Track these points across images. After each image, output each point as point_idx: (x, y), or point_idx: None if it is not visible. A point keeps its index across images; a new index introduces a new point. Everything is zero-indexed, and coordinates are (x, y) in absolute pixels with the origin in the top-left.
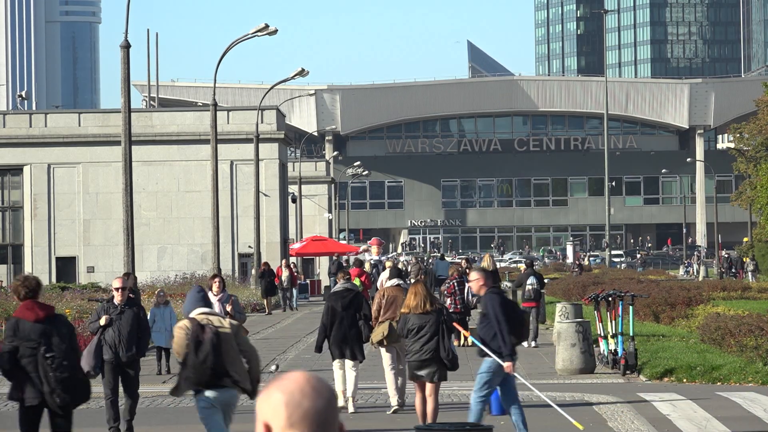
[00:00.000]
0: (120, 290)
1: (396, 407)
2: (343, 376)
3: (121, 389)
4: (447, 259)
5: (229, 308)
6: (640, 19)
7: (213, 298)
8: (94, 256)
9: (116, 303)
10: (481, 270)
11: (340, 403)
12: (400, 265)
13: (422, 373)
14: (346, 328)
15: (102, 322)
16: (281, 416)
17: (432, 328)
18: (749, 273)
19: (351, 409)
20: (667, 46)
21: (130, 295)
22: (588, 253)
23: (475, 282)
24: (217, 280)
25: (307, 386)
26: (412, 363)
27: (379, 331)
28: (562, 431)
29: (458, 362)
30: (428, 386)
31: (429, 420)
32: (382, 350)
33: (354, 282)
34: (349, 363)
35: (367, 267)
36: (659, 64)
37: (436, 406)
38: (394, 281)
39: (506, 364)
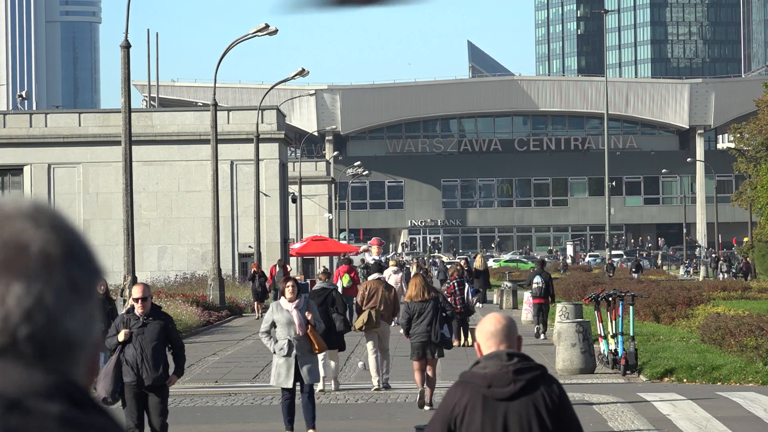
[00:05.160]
0: (140, 301)
1: (376, 386)
2: (325, 364)
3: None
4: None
5: (309, 317)
6: (640, 19)
7: (287, 305)
8: None
9: (138, 314)
10: None
11: (319, 386)
12: (382, 259)
13: (423, 351)
14: (324, 321)
15: (120, 337)
16: (482, 335)
17: (430, 313)
18: (722, 274)
19: (333, 387)
20: (667, 46)
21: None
22: (588, 253)
23: None
24: (290, 284)
25: (493, 318)
26: (414, 343)
27: (361, 319)
28: None
29: (451, 343)
30: (428, 362)
31: (428, 389)
32: (365, 336)
33: (343, 279)
34: (330, 352)
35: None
36: (659, 64)
37: (433, 377)
38: (375, 275)
39: None
